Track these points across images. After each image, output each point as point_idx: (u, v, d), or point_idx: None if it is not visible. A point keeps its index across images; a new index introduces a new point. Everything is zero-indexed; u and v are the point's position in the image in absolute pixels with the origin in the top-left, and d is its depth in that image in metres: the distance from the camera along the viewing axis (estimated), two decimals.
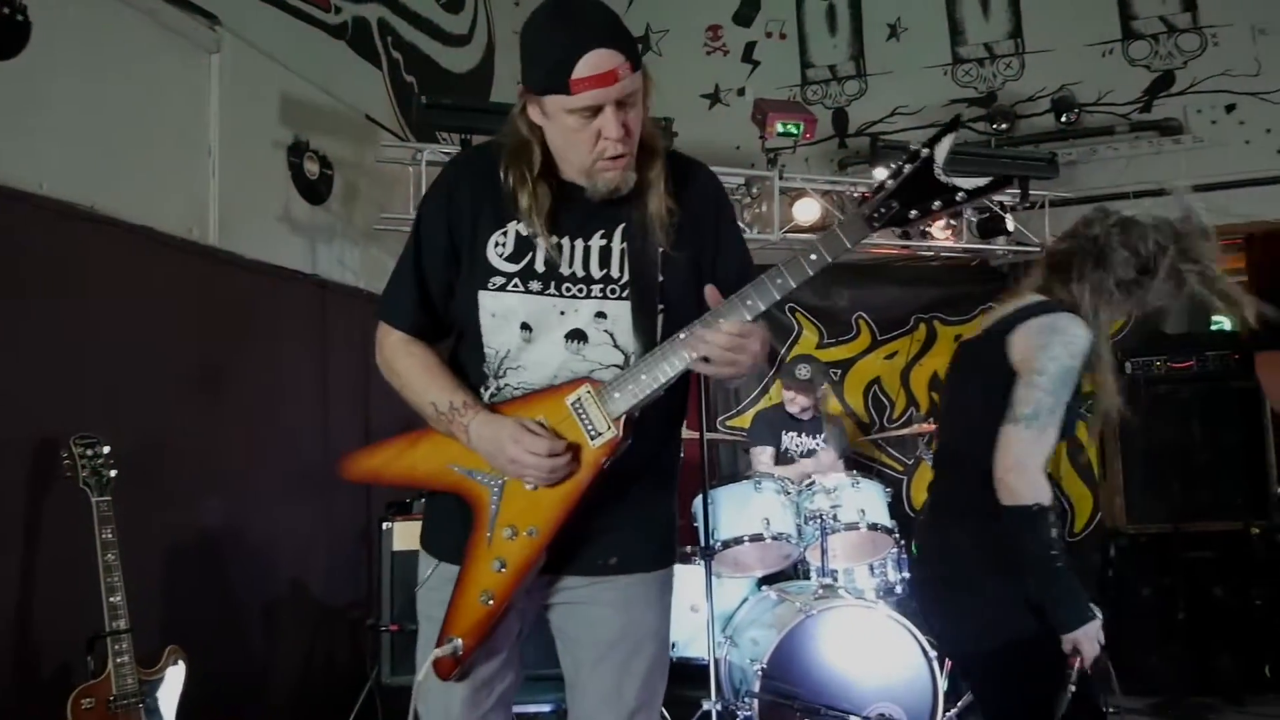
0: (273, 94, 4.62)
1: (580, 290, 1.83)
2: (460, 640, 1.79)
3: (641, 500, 1.91)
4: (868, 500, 4.39)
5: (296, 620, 4.47)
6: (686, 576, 4.22)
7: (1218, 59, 6.24)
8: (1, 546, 3.13)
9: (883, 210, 1.69)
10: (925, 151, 1.66)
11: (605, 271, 1.84)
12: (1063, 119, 6.32)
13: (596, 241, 1.85)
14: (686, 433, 4.33)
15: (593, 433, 1.77)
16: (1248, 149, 6.12)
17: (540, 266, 1.83)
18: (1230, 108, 6.19)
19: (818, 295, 6.24)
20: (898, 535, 4.46)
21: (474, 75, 6.52)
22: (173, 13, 4.02)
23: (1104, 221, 2.29)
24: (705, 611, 3.96)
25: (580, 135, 1.74)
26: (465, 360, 1.92)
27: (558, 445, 1.75)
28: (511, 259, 1.84)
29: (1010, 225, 5.74)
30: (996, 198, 5.71)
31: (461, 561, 1.83)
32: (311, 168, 4.80)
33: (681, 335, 1.72)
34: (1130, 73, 6.42)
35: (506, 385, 1.86)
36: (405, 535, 3.94)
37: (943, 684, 3.86)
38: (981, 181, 1.67)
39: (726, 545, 4.25)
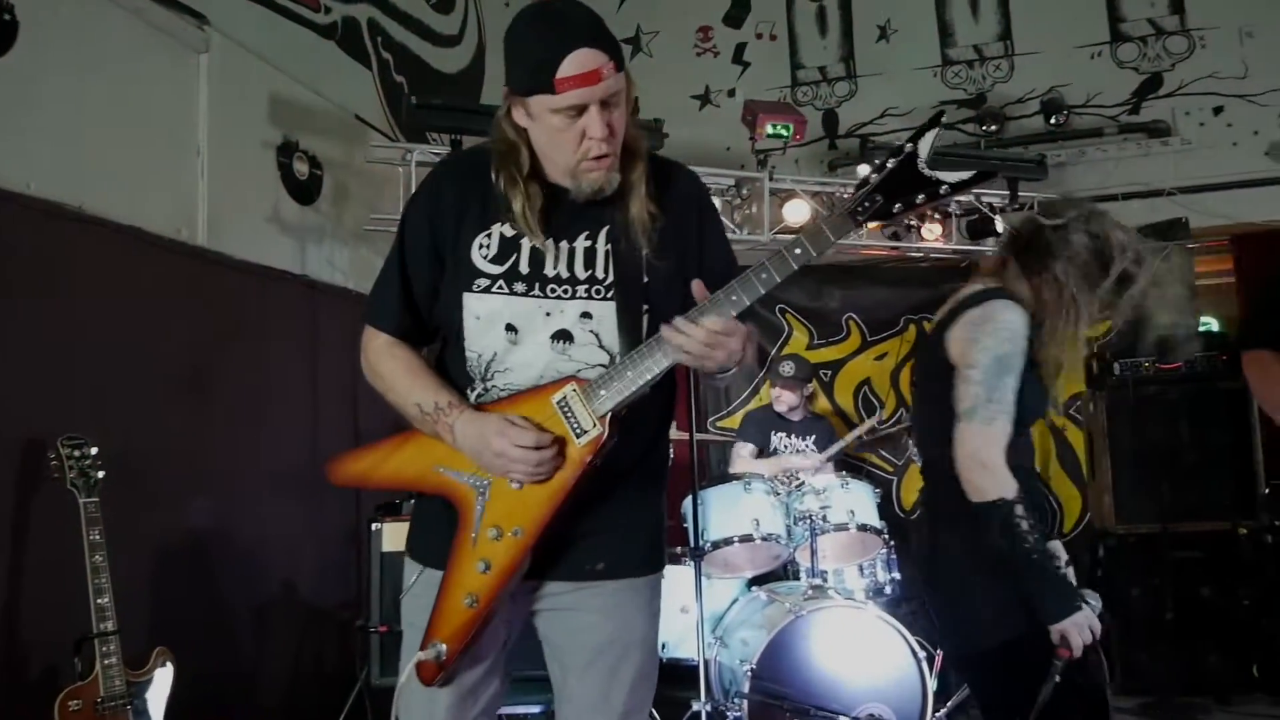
0: (262, 94, 4.61)
1: (565, 291, 1.83)
2: (444, 645, 1.77)
3: (629, 503, 1.90)
4: (857, 501, 4.39)
5: (285, 621, 4.46)
6: (676, 577, 4.23)
7: (1205, 61, 6.27)
8: None
9: (867, 204, 1.71)
10: (909, 147, 1.69)
11: (590, 272, 1.84)
12: (1052, 121, 6.34)
13: (581, 243, 1.86)
14: (676, 434, 4.36)
15: (578, 431, 1.77)
16: (1235, 151, 6.15)
17: (525, 268, 1.84)
18: (1218, 110, 6.22)
19: (808, 296, 6.26)
20: (887, 536, 4.47)
21: (464, 76, 6.51)
22: (161, 12, 4.00)
23: (1072, 206, 2.27)
24: (695, 612, 3.96)
25: (565, 135, 1.75)
26: (450, 364, 1.92)
27: (543, 438, 1.75)
28: (496, 261, 1.84)
29: (999, 226, 5.74)
30: (986, 199, 5.73)
31: (445, 564, 1.82)
32: (301, 168, 4.79)
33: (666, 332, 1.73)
34: (1119, 75, 6.45)
35: (493, 387, 1.85)
36: (394, 536, 3.93)
37: (932, 684, 3.87)
38: (965, 174, 1.69)
39: (716, 546, 4.25)
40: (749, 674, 3.81)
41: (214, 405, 4.09)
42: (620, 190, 1.84)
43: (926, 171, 1.68)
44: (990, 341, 2.12)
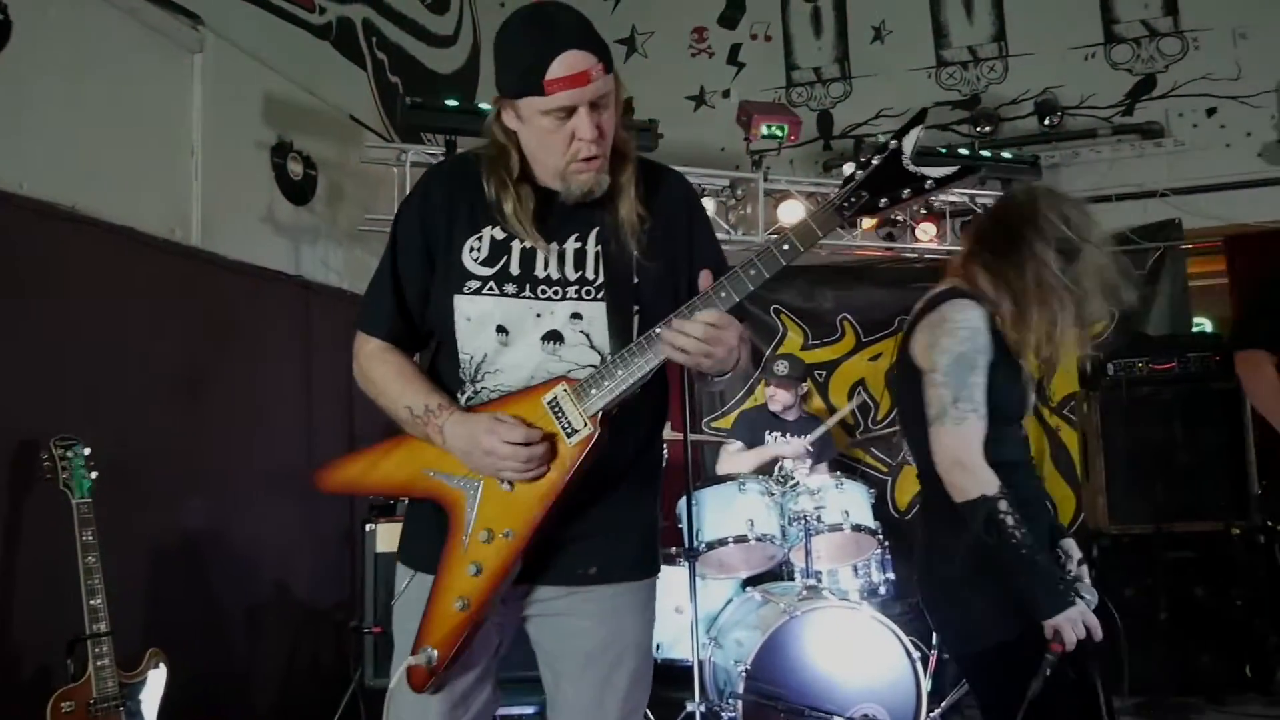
0: (256, 94, 4.61)
1: (556, 293, 1.84)
2: (435, 651, 1.76)
3: (622, 506, 1.88)
4: (851, 501, 4.39)
5: (279, 622, 4.45)
6: (671, 578, 4.22)
7: (1199, 63, 6.28)
8: None
9: (853, 200, 1.72)
10: (893, 144, 1.71)
11: (580, 274, 1.84)
12: (1045, 122, 6.35)
13: (571, 245, 1.86)
14: (671, 434, 4.36)
15: (569, 430, 1.76)
16: (1228, 152, 6.17)
17: (515, 270, 1.84)
18: (1211, 111, 6.24)
19: (802, 297, 6.26)
20: (881, 536, 4.47)
21: (459, 76, 6.51)
22: (155, 12, 4.00)
23: (1035, 191, 2.27)
24: (689, 613, 3.96)
25: (555, 137, 1.76)
26: (442, 368, 1.92)
27: (533, 434, 1.75)
28: (486, 263, 1.85)
29: None
30: (980, 200, 5.74)
31: (436, 569, 1.81)
32: (295, 168, 4.79)
33: (657, 330, 1.73)
34: (1112, 76, 6.46)
35: (484, 389, 1.85)
36: (388, 537, 3.93)
37: (926, 684, 3.87)
38: (949, 169, 1.72)
39: (711, 546, 4.25)
40: (743, 674, 3.81)
41: (207, 406, 4.08)
42: (610, 192, 1.85)
43: (911, 167, 1.70)
44: (948, 342, 2.13)
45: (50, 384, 3.34)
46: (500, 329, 1.83)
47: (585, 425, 1.76)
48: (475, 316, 1.84)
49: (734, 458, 5.22)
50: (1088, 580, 2.24)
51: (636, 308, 1.83)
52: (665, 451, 4.45)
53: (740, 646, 4.02)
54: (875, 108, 6.84)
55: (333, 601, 4.73)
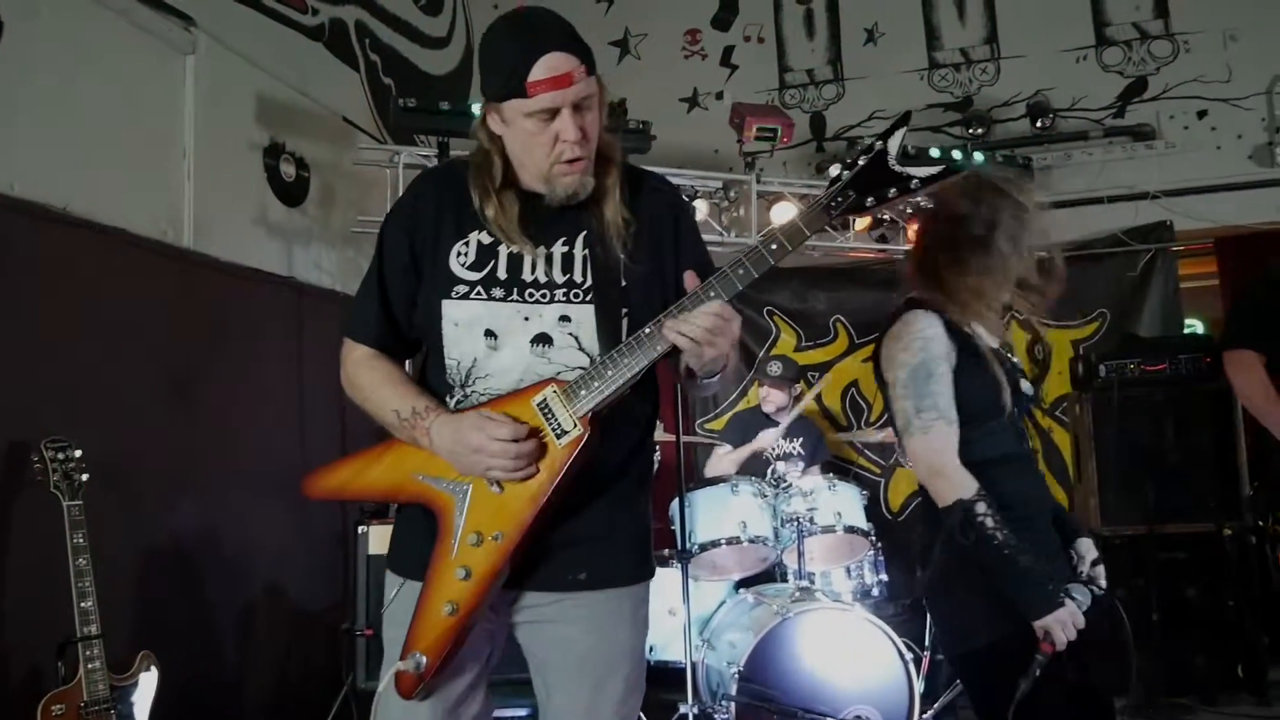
0: (248, 95, 4.60)
1: (544, 295, 1.84)
2: (424, 656, 1.74)
3: (613, 510, 1.87)
4: (844, 503, 4.40)
5: (271, 625, 4.44)
6: (664, 580, 4.23)
7: (1190, 65, 6.30)
8: None
9: (839, 199, 1.73)
10: (879, 144, 1.73)
11: (568, 277, 1.85)
12: (1038, 124, 6.37)
13: (559, 248, 1.86)
14: (664, 436, 4.36)
15: (559, 432, 1.76)
16: (1219, 154, 6.19)
17: (503, 274, 1.84)
18: (1202, 113, 6.26)
19: (795, 298, 6.27)
20: (874, 538, 4.48)
21: (453, 78, 6.51)
22: (147, 13, 3.99)
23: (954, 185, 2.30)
24: (682, 615, 3.96)
25: (538, 139, 1.77)
26: (432, 373, 1.91)
27: (521, 430, 1.74)
28: (473, 268, 1.85)
29: None
30: None
31: (425, 574, 1.80)
32: (288, 170, 4.78)
33: (646, 330, 1.73)
34: (1104, 78, 6.48)
35: (473, 393, 1.85)
36: (381, 539, 3.92)
37: (919, 686, 3.87)
38: (934, 169, 1.74)
39: (704, 548, 4.25)
40: (736, 676, 3.81)
41: (199, 408, 4.07)
42: (595, 195, 1.86)
43: (897, 167, 1.72)
44: (903, 356, 2.19)
45: (41, 386, 3.33)
46: (488, 333, 1.83)
47: (575, 426, 1.75)
48: (463, 321, 1.84)
49: (721, 460, 5.25)
50: (1102, 582, 2.25)
51: (625, 310, 1.83)
52: (658, 454, 4.49)
53: (733, 648, 4.02)
54: (868, 110, 6.85)
55: (325, 604, 4.72)
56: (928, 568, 2.27)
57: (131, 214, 3.84)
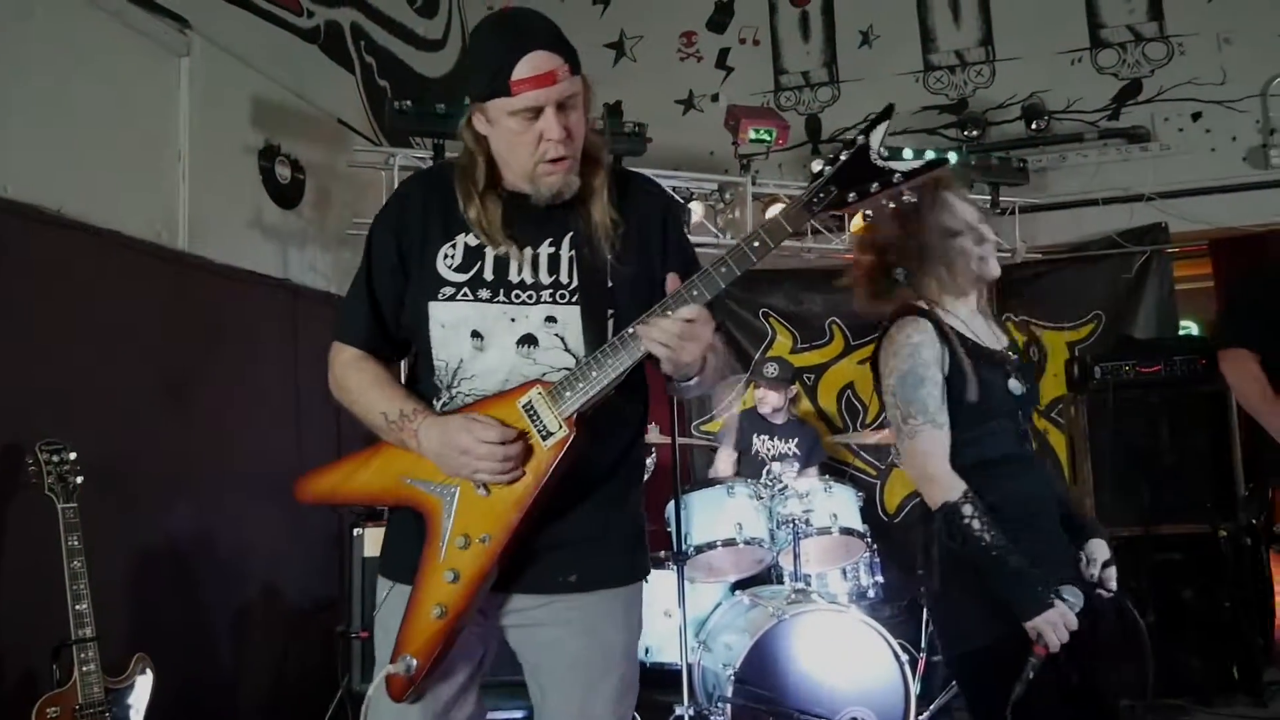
0: (243, 97, 4.59)
1: (530, 297, 1.84)
2: (414, 659, 1.74)
3: (603, 512, 1.87)
4: (840, 504, 4.40)
5: (267, 627, 4.43)
6: (659, 581, 4.23)
7: (1184, 67, 6.31)
8: None
9: (821, 195, 1.73)
10: (861, 139, 1.72)
11: (554, 278, 1.85)
12: (1032, 126, 6.37)
13: (545, 249, 1.86)
14: (661, 437, 4.35)
15: (545, 433, 1.76)
16: (1214, 156, 6.20)
17: (489, 275, 1.85)
18: (1196, 115, 6.27)
19: (791, 301, 6.27)
20: (869, 539, 4.48)
21: (448, 80, 6.50)
22: (141, 15, 3.99)
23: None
24: (678, 617, 3.96)
25: (523, 138, 1.77)
26: (421, 375, 1.92)
27: (508, 433, 1.74)
28: (460, 269, 1.85)
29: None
30: None
31: (414, 577, 1.80)
32: (283, 172, 4.77)
33: (630, 330, 1.73)
34: (1099, 81, 6.49)
35: (460, 394, 1.85)
36: (376, 541, 3.89)
37: (915, 687, 3.88)
38: (917, 163, 1.74)
39: (699, 550, 4.26)
40: (732, 678, 3.81)
41: (194, 410, 4.06)
42: (583, 196, 1.86)
43: (879, 162, 1.71)
44: (893, 363, 2.22)
45: (36, 389, 3.32)
46: (475, 334, 1.83)
47: (560, 428, 1.75)
48: (449, 322, 1.84)
49: (724, 461, 5.27)
50: (1112, 584, 2.25)
51: (611, 311, 1.83)
52: (654, 456, 4.49)
53: (729, 650, 4.02)
54: (863, 112, 6.83)
55: (320, 606, 4.70)
56: (927, 569, 2.28)
57: (126, 216, 3.83)
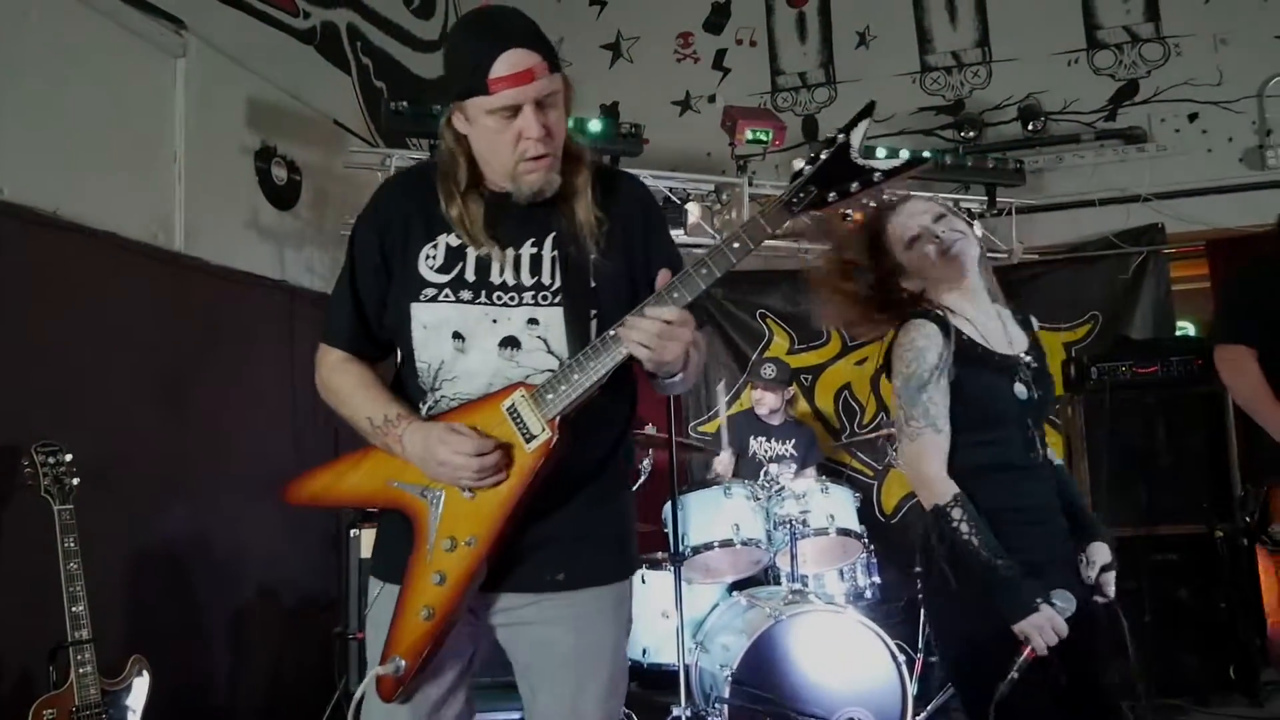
0: (239, 98, 4.59)
1: (512, 298, 1.83)
2: (402, 660, 1.75)
3: (590, 510, 1.87)
4: (837, 505, 4.40)
5: (264, 628, 4.43)
6: (657, 583, 4.23)
7: (1180, 68, 6.32)
8: None
9: (801, 195, 1.71)
10: (841, 137, 1.70)
11: (536, 279, 1.84)
12: (1029, 127, 6.38)
13: (527, 250, 1.86)
14: (658, 435, 4.34)
15: (528, 436, 1.76)
16: (1210, 157, 6.21)
17: (471, 276, 1.84)
18: (1193, 116, 6.28)
19: (788, 301, 6.26)
20: (866, 540, 4.48)
21: None
22: (136, 16, 3.98)
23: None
24: (675, 618, 3.96)
25: (502, 137, 1.77)
26: (405, 378, 1.92)
27: (485, 444, 1.74)
28: (442, 270, 1.85)
29: (977, 232, 5.76)
30: (964, 204, 5.76)
31: (402, 578, 1.81)
32: (279, 173, 4.77)
33: (612, 332, 1.72)
34: (1095, 82, 6.49)
35: (443, 397, 1.85)
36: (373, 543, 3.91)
37: (912, 688, 3.88)
38: (897, 161, 1.73)
39: (697, 551, 4.25)
40: (729, 679, 3.81)
41: (191, 411, 4.06)
42: (565, 194, 1.85)
43: (859, 160, 1.69)
44: (899, 365, 2.23)
45: (32, 390, 3.31)
46: (456, 335, 1.83)
47: (543, 430, 1.75)
48: (431, 324, 1.84)
49: (724, 463, 5.27)
50: (1110, 589, 2.25)
51: (594, 311, 1.83)
52: (650, 458, 4.48)
53: (726, 651, 4.02)
54: None
55: (317, 607, 4.70)
56: (929, 570, 2.28)
57: (122, 217, 3.83)
